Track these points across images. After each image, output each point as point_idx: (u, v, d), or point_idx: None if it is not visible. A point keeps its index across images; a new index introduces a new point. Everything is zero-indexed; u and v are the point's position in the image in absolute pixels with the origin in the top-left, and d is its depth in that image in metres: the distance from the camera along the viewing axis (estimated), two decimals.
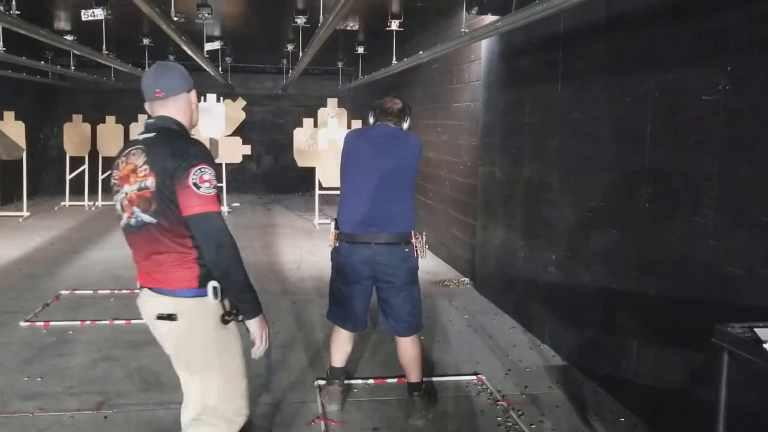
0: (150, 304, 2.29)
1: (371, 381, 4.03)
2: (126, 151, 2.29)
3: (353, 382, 3.99)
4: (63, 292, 5.88)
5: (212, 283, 2.21)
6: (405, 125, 3.54)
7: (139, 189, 2.19)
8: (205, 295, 2.22)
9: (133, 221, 2.24)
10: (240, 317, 2.29)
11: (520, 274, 5.24)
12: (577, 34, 4.39)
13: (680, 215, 3.27)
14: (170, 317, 2.24)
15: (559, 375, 4.20)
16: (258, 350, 2.31)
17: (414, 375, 3.54)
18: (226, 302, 2.28)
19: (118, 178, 2.28)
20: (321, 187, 10.09)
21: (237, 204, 12.17)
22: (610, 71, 3.98)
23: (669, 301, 3.36)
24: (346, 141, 3.53)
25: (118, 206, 2.30)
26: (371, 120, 3.62)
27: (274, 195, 14.02)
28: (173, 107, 2.32)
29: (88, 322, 5.01)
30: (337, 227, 3.44)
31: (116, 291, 5.97)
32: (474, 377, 4.11)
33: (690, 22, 3.26)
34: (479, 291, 6.18)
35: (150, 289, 2.28)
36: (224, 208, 11.03)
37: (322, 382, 3.93)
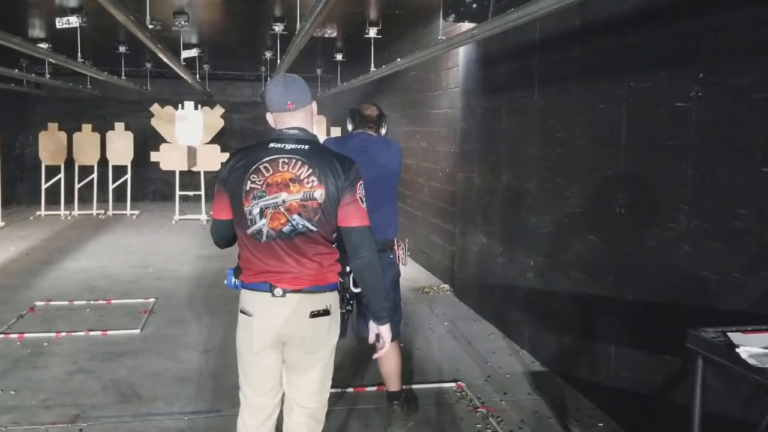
0: (300, 304, 2.36)
1: (350, 390, 4.00)
2: (271, 158, 2.34)
3: (331, 390, 3.96)
4: (38, 303, 5.79)
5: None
6: (383, 131, 3.58)
7: (304, 198, 2.31)
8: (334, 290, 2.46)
9: (287, 228, 2.32)
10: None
11: (499, 280, 5.26)
12: (553, 42, 4.43)
13: (656, 221, 3.31)
14: (326, 312, 2.40)
15: (538, 381, 4.21)
16: (384, 350, 2.59)
17: (393, 384, 3.52)
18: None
19: (266, 184, 2.32)
20: None
21: None
22: (585, 78, 4.02)
23: (646, 306, 3.39)
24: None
25: (256, 210, 2.33)
26: (350, 127, 3.65)
27: None
28: (301, 118, 2.41)
29: (63, 334, 4.94)
30: None
31: (92, 302, 5.89)
32: (454, 384, 4.11)
33: (662, 29, 3.31)
34: (459, 297, 6.20)
35: (299, 291, 2.35)
36: (203, 217, 10.94)
37: None
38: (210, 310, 5.72)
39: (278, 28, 7.19)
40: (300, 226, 2.31)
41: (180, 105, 11.09)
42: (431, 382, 4.15)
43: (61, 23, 6.89)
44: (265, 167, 2.33)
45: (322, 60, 11.03)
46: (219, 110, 11.28)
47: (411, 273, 7.28)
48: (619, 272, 3.64)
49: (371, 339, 2.61)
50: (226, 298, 6.05)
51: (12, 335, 4.89)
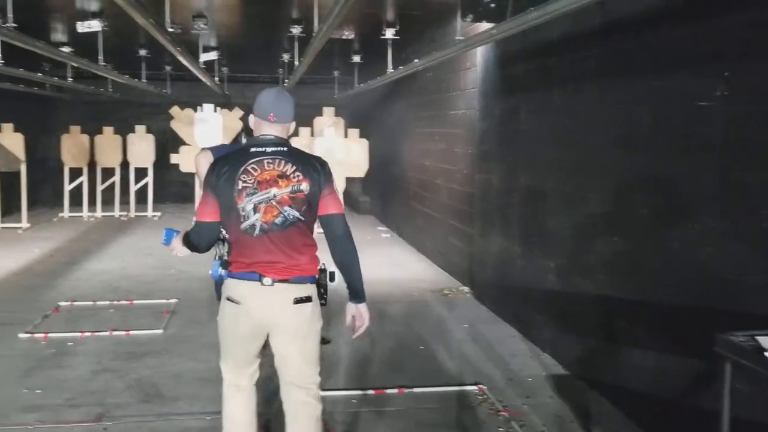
0: (286, 293, 2.61)
1: (371, 392, 4.01)
2: (254, 159, 2.61)
3: (351, 392, 3.98)
4: (62, 303, 5.86)
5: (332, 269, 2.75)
6: None
7: (293, 192, 2.60)
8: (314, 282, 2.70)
9: (279, 219, 2.59)
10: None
11: (518, 282, 5.24)
12: (572, 41, 4.40)
13: (679, 222, 3.28)
14: (308, 299, 2.65)
15: (560, 384, 4.19)
16: (363, 330, 2.77)
17: None
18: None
19: (257, 182, 2.58)
20: None
21: None
22: (605, 77, 3.99)
23: (670, 309, 3.36)
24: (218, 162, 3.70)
25: (249, 206, 2.57)
26: (243, 139, 3.97)
27: None
28: (278, 130, 2.70)
29: (87, 334, 5.00)
30: None
31: (115, 302, 5.95)
32: (475, 387, 4.10)
33: (686, 27, 3.28)
34: (478, 299, 6.18)
35: (285, 281, 2.60)
36: None
37: (322, 393, 3.91)
38: None
39: (296, 30, 7.22)
40: (291, 217, 2.59)
41: (199, 107, 11.16)
42: (452, 385, 4.14)
43: (82, 27, 6.97)
44: (252, 168, 2.60)
45: (340, 62, 11.05)
46: (238, 112, 11.33)
47: (429, 274, 7.27)
48: (641, 274, 3.61)
49: (348, 321, 2.77)
50: None
51: (37, 335, 4.96)
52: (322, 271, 2.74)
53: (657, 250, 3.46)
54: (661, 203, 3.44)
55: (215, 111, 11.17)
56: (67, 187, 11.49)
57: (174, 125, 11.27)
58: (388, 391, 4.01)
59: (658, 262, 3.45)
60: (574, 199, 4.34)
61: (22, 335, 4.94)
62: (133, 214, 11.61)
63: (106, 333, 5.04)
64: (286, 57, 9.71)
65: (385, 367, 4.43)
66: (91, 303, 5.91)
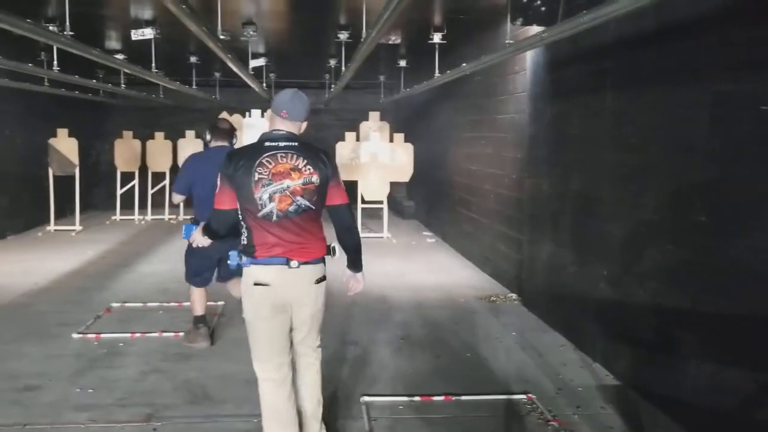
0: (310, 273, 2.99)
1: (417, 398, 3.97)
2: (268, 152, 2.91)
3: (397, 398, 3.94)
4: (114, 304, 5.99)
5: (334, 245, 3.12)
6: (234, 141, 4.76)
7: (305, 183, 2.92)
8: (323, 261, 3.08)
9: (293, 207, 2.91)
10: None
11: (569, 290, 5.12)
12: (627, 43, 4.29)
13: (739, 229, 3.15)
14: (324, 278, 3.06)
15: (612, 395, 4.07)
16: (357, 290, 3.29)
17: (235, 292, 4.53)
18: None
19: (272, 174, 2.88)
20: (363, 201, 10.09)
21: None
22: (662, 81, 3.87)
23: (729, 319, 3.23)
24: (189, 164, 4.72)
25: (265, 195, 2.87)
26: (207, 137, 4.73)
27: None
28: (289, 126, 3.00)
29: (137, 335, 5.08)
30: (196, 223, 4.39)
31: (165, 303, 6.05)
32: (524, 396, 4.01)
33: (746, 29, 3.15)
34: (527, 307, 6.07)
35: (307, 263, 2.96)
36: None
37: (368, 399, 3.90)
38: None
39: (343, 36, 7.26)
40: (303, 205, 2.92)
41: (247, 113, 11.31)
42: (500, 393, 4.07)
43: (136, 35, 7.15)
44: (267, 161, 2.89)
45: (386, 66, 11.07)
46: None
47: (476, 281, 7.19)
48: (698, 283, 3.48)
49: (345, 281, 3.27)
50: None
51: (89, 335, 5.07)
52: (327, 247, 3.09)
53: (716, 258, 3.33)
54: (720, 210, 3.32)
55: (262, 116, 11.30)
56: (119, 191, 11.77)
57: None
58: (435, 398, 3.96)
59: (717, 271, 3.33)
60: (628, 204, 4.23)
61: (75, 335, 5.05)
62: (181, 217, 11.82)
63: (156, 334, 5.12)
64: (332, 62, 9.77)
65: (432, 374, 4.38)
66: (141, 304, 6.02)
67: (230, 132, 4.75)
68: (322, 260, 3.04)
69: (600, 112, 4.63)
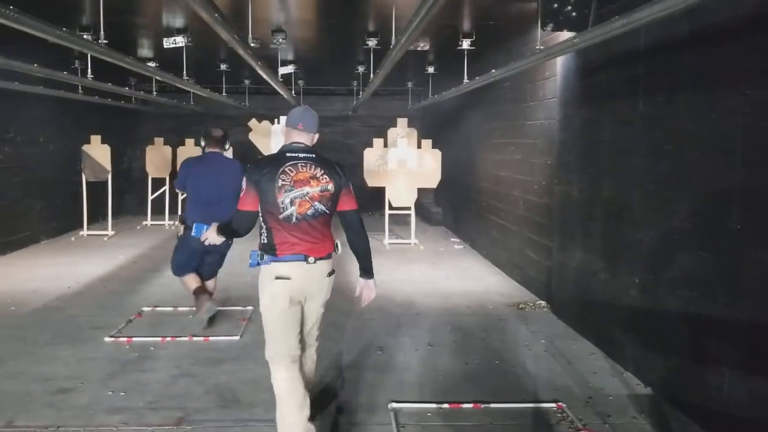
0: (323, 267, 3.36)
1: (446, 405, 3.95)
2: (290, 162, 3.27)
3: (426, 405, 3.93)
4: (145, 308, 6.06)
5: (338, 241, 3.47)
6: (227, 147, 5.24)
7: (322, 190, 3.29)
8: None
9: (311, 211, 3.27)
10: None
11: (600, 297, 5.06)
12: (659, 49, 4.24)
13: None
14: (333, 272, 3.44)
15: (644, 404, 4.01)
16: (370, 299, 3.54)
17: (211, 287, 5.35)
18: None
19: (293, 181, 3.24)
20: (391, 207, 10.09)
21: None
22: (696, 87, 3.82)
23: (763, 328, 3.16)
24: (186, 164, 5.16)
25: (287, 200, 3.22)
26: (202, 143, 5.21)
27: None
28: (305, 137, 3.37)
29: (168, 339, 5.15)
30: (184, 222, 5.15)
31: (194, 308, 6.09)
32: (554, 405, 3.97)
33: None
34: (557, 315, 6.01)
35: (321, 258, 3.32)
36: None
37: (396, 405, 3.90)
38: None
39: (372, 42, 7.28)
40: (320, 210, 3.29)
41: (276, 120, 11.40)
42: (529, 402, 4.03)
43: (168, 43, 7.26)
44: (289, 169, 3.25)
45: (413, 73, 11.08)
46: None
47: (505, 288, 7.14)
48: (732, 291, 3.42)
49: (358, 292, 3.52)
50: (325, 310, 6.13)
51: (121, 339, 5.14)
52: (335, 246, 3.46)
53: (752, 266, 3.26)
54: (755, 217, 3.25)
55: None
56: (150, 197, 11.94)
57: (252, 137, 11.56)
58: (464, 405, 3.94)
59: (751, 278, 3.26)
60: (661, 211, 4.17)
61: (107, 339, 5.13)
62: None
63: (186, 338, 5.18)
64: (361, 69, 9.81)
65: (461, 381, 4.36)
66: (171, 309, 6.09)
67: (222, 139, 5.19)
68: (331, 256, 3.41)
69: (632, 118, 4.57)
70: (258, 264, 3.31)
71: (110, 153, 10.45)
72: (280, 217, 3.22)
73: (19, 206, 9.23)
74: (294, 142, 3.35)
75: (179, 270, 5.24)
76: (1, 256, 8.55)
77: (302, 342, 3.42)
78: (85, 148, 10.36)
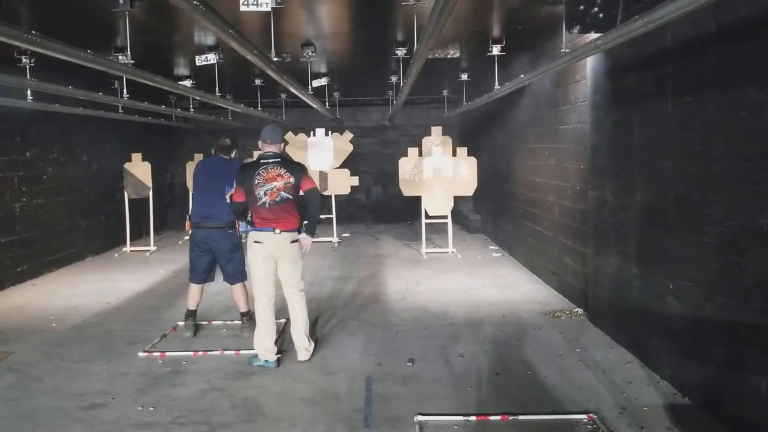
0: (287, 236, 4.85)
1: (473, 418, 3.86)
2: (262, 166, 4.83)
3: (452, 418, 3.85)
4: (180, 323, 6.12)
5: (305, 223, 4.94)
6: (233, 154, 5.88)
7: (285, 183, 4.79)
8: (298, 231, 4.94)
9: (278, 198, 4.78)
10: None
11: (635, 304, 4.90)
12: (686, 47, 4.10)
13: None
14: (296, 240, 4.90)
15: (680, 415, 3.84)
16: (306, 251, 5.01)
17: (242, 306, 5.78)
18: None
19: (265, 179, 4.78)
20: (427, 216, 10.02)
21: (347, 234, 12.35)
22: (725, 85, 3.67)
23: None
24: (195, 167, 6.09)
25: (262, 192, 4.76)
26: (213, 150, 5.95)
27: (382, 224, 14.13)
28: (274, 148, 4.93)
29: (200, 353, 5.19)
30: (190, 219, 5.82)
31: (228, 322, 6.17)
32: (584, 416, 3.84)
33: None
34: (593, 322, 5.84)
35: (285, 230, 4.82)
36: (335, 239, 11.23)
37: (422, 418, 3.83)
38: (337, 331, 5.80)
39: (400, 52, 7.26)
40: (285, 197, 4.80)
41: (311, 132, 11.48)
42: (560, 413, 3.91)
43: (200, 60, 7.39)
44: (262, 171, 4.82)
45: (448, 81, 11.02)
46: (348, 135, 11.54)
47: (542, 296, 6.99)
48: None
49: (304, 247, 4.97)
50: (359, 322, 6.12)
51: (155, 354, 5.21)
52: (300, 223, 4.91)
53: None
54: None
55: (327, 135, 11.44)
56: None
57: (289, 150, 11.65)
58: (492, 417, 3.85)
59: None
60: (695, 215, 4.01)
61: (141, 354, 5.20)
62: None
63: (218, 352, 5.22)
64: (393, 79, 9.80)
65: (489, 393, 4.27)
66: (206, 322, 6.15)
67: (229, 148, 5.90)
68: (297, 230, 4.88)
69: (662, 119, 4.43)
70: (246, 231, 5.02)
71: (151, 170, 10.68)
72: (258, 204, 4.79)
73: (64, 224, 9.49)
74: (267, 152, 4.89)
75: (189, 273, 5.84)
76: (48, 273, 8.80)
77: (284, 291, 4.98)
78: (127, 165, 10.61)
